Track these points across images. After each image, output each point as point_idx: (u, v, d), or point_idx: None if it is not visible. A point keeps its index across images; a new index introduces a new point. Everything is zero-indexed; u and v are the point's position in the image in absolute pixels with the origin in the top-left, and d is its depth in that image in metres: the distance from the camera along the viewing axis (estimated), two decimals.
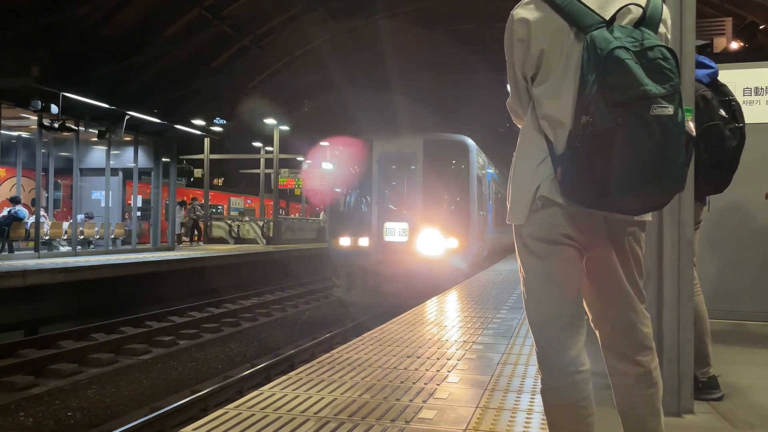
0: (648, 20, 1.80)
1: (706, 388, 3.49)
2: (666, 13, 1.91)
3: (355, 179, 13.81)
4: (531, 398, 3.34)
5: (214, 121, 23.51)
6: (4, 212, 14.55)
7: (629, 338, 1.96)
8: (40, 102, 13.17)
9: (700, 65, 3.44)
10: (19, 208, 14.71)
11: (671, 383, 3.09)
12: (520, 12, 1.92)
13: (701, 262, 3.80)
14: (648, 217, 1.95)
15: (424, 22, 22.24)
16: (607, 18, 1.78)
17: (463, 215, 12.78)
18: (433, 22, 22.13)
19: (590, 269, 1.95)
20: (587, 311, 2.03)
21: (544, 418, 2.00)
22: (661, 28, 1.87)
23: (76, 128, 14.89)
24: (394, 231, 12.73)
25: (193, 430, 2.83)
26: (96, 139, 16.35)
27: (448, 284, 10.20)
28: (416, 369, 3.99)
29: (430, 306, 7.16)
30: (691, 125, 1.77)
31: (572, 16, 1.82)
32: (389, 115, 23.57)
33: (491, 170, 16.88)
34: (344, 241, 12.99)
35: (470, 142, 13.20)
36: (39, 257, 14.07)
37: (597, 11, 1.81)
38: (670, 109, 1.66)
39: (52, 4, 12.82)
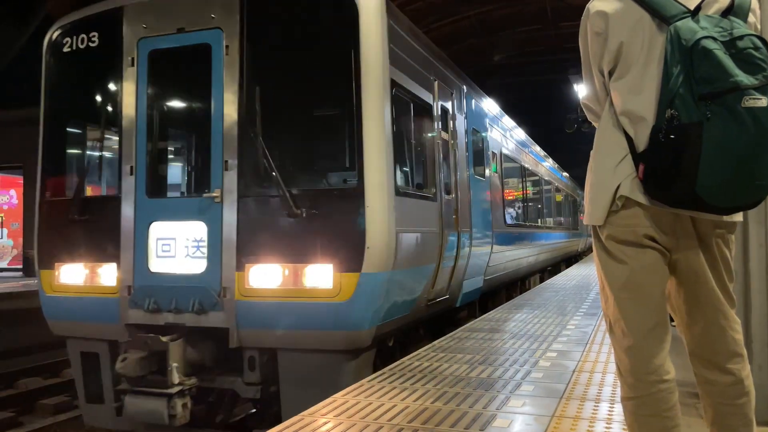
0: (736, 9, 1.72)
1: None
2: (755, 2, 1.82)
3: (85, 116, 5.91)
4: (610, 407, 3.23)
5: None
6: None
7: (719, 345, 1.86)
8: None
9: None
10: None
11: (763, 391, 2.93)
12: (597, 4, 1.87)
13: None
14: (738, 217, 1.85)
15: (485, 27, 22.02)
16: (692, 8, 1.71)
17: (353, 198, 4.52)
18: (495, 27, 21.87)
19: (676, 273, 1.87)
20: (672, 316, 1.94)
21: (625, 428, 1.93)
22: (751, 18, 1.78)
23: None
24: (175, 245, 4.95)
25: None
26: None
27: (320, 389, 4.18)
28: (488, 377, 3.93)
29: (499, 314, 7.05)
30: None
31: (654, 6, 1.76)
32: None
33: (493, 111, 9.39)
34: (66, 277, 5.34)
35: None
36: None
37: (681, 1, 1.74)
38: (763, 101, 1.57)
39: None
